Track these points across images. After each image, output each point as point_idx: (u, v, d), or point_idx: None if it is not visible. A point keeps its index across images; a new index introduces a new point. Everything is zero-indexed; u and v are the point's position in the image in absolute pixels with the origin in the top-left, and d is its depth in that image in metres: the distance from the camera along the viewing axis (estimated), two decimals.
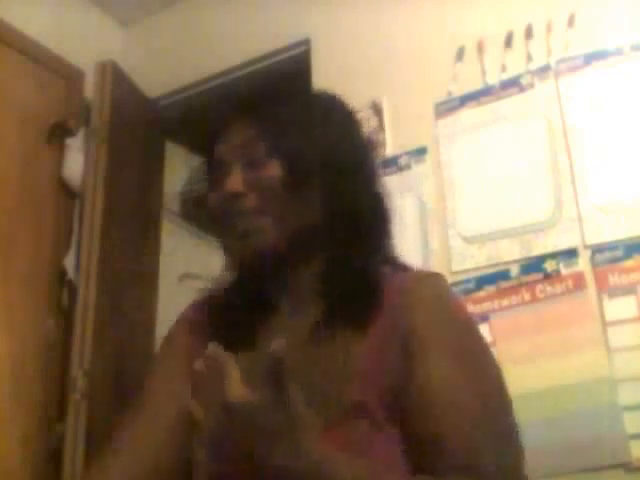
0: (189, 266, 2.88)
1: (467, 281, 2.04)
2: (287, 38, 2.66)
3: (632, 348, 1.80)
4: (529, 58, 2.17)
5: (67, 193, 2.60)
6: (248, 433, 0.70)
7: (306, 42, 2.61)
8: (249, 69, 2.72)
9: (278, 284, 0.96)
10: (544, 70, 2.14)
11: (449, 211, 2.15)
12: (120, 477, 0.91)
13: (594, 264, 1.91)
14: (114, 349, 2.42)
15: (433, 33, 2.36)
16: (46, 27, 2.68)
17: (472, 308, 1.95)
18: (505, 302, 1.98)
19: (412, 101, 2.31)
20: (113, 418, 1.86)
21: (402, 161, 2.27)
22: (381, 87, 2.37)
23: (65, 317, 2.46)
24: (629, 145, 1.97)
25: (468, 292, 2.02)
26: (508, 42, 2.22)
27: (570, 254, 1.95)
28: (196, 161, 3.12)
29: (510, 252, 2.03)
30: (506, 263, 2.03)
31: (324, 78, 2.39)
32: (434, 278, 0.97)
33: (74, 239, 2.53)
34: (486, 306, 1.99)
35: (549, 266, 1.96)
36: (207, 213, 0.97)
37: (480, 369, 0.88)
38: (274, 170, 0.92)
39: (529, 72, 2.16)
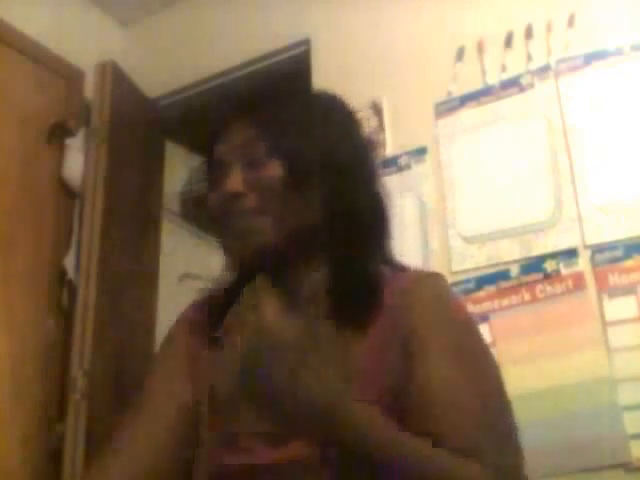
0: (189, 266, 2.88)
1: (467, 281, 2.04)
2: (287, 38, 2.66)
3: (632, 348, 1.80)
4: (529, 58, 2.17)
5: (67, 193, 2.60)
6: (280, 361, 0.72)
7: (306, 42, 2.61)
8: (249, 69, 2.72)
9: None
10: (544, 70, 2.14)
11: (449, 211, 2.15)
12: (120, 477, 0.91)
13: (594, 264, 1.91)
14: (114, 349, 2.42)
15: (433, 33, 2.36)
16: (46, 27, 2.68)
17: (472, 308, 1.95)
18: (505, 302, 1.98)
19: (412, 101, 2.31)
20: (113, 418, 1.86)
21: (402, 161, 2.27)
22: (381, 87, 2.37)
23: (65, 317, 2.46)
24: (629, 145, 1.97)
25: (468, 292, 2.02)
26: (508, 42, 2.22)
27: (570, 254, 1.95)
28: (196, 161, 3.12)
29: (510, 252, 2.03)
30: (506, 263, 2.03)
31: (324, 78, 2.39)
32: (434, 278, 0.97)
33: (74, 239, 2.53)
34: (486, 306, 1.99)
35: (549, 266, 1.96)
36: (207, 213, 0.97)
37: (480, 369, 0.88)
38: (274, 170, 0.92)
39: (529, 72, 2.16)
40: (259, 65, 2.71)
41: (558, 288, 1.93)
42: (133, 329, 2.58)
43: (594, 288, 1.89)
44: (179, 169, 3.14)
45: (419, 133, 2.27)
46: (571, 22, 2.13)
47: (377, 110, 2.34)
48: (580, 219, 1.97)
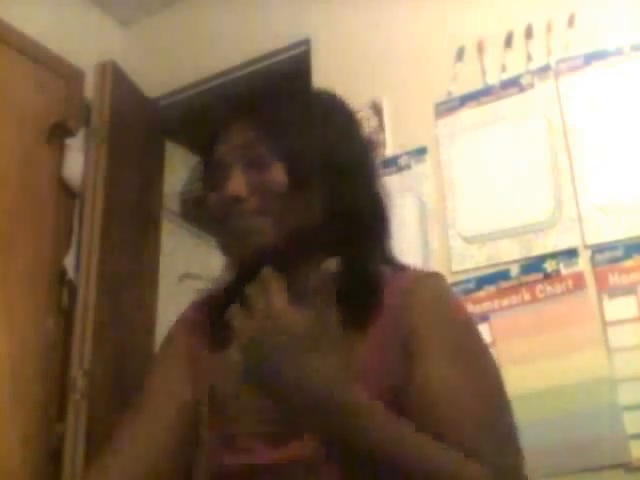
0: (189, 266, 2.88)
1: (467, 281, 2.04)
2: (287, 38, 2.66)
3: (632, 348, 1.80)
4: (529, 58, 2.18)
5: (67, 193, 2.60)
6: (287, 348, 0.72)
7: (306, 42, 2.61)
8: (249, 69, 2.72)
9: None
10: (544, 70, 2.14)
11: (449, 211, 2.15)
12: (120, 477, 0.91)
13: (594, 264, 1.91)
14: (114, 349, 2.42)
15: (433, 33, 2.36)
16: (46, 27, 2.68)
17: (472, 308, 1.95)
18: (505, 302, 1.98)
19: (412, 101, 2.31)
20: (113, 418, 1.86)
21: (402, 161, 2.27)
22: (381, 87, 2.37)
23: (65, 317, 2.46)
24: (629, 145, 1.97)
25: (468, 292, 2.02)
26: (508, 42, 2.22)
27: (570, 254, 1.95)
28: (196, 161, 3.12)
29: (510, 252, 2.03)
30: (506, 263, 2.03)
31: (324, 78, 2.39)
32: (434, 278, 0.97)
33: (74, 239, 2.53)
34: (486, 306, 1.99)
35: (549, 266, 1.96)
36: (207, 214, 0.97)
37: (480, 369, 0.88)
38: (277, 172, 0.91)
39: (529, 72, 2.16)
40: (259, 65, 2.71)
41: (558, 288, 1.93)
42: (133, 329, 2.58)
43: (594, 288, 1.89)
44: (179, 169, 3.14)
45: (419, 133, 2.27)
46: (571, 22, 2.13)
47: (377, 110, 2.34)
48: (580, 219, 1.97)
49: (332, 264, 0.70)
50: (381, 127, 2.33)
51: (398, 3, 2.44)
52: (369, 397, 0.83)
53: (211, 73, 2.80)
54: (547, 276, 1.96)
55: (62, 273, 2.50)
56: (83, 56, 2.73)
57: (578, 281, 1.92)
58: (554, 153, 2.06)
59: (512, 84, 2.17)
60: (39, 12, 2.68)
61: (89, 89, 2.70)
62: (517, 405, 0.88)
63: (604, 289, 1.88)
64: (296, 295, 0.74)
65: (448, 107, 2.25)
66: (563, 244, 1.97)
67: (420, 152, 2.25)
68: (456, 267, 2.08)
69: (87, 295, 2.34)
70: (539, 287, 1.96)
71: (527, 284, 1.97)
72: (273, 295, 0.74)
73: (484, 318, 1.97)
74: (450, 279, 1.94)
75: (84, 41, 2.83)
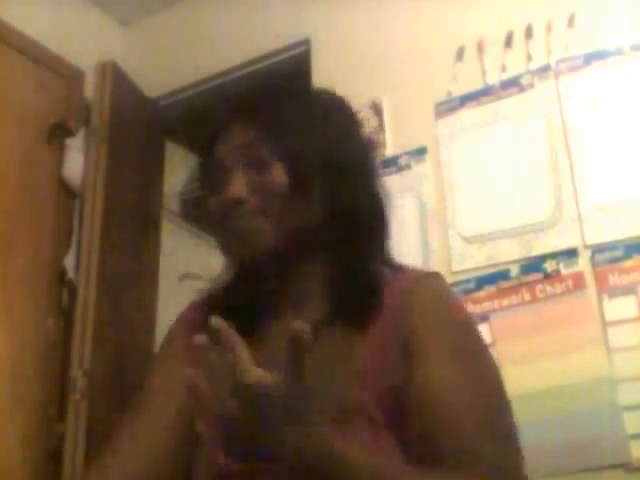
0: (189, 266, 2.88)
1: (467, 281, 2.04)
2: (287, 38, 2.66)
3: (632, 348, 1.80)
4: (529, 58, 2.18)
5: (67, 193, 2.60)
6: (259, 416, 0.69)
7: (306, 42, 2.61)
8: (249, 69, 2.72)
9: (278, 284, 0.96)
10: (544, 70, 2.14)
11: (449, 211, 2.15)
12: (120, 477, 0.91)
13: (594, 264, 1.91)
14: (114, 349, 2.42)
15: (433, 33, 2.36)
16: (46, 27, 2.68)
17: (472, 308, 1.95)
18: (505, 302, 1.98)
19: (412, 101, 2.31)
20: (113, 418, 1.86)
21: (402, 161, 2.27)
22: (381, 87, 2.37)
23: (65, 317, 2.46)
24: (629, 145, 1.97)
25: (468, 292, 2.02)
26: (508, 42, 2.22)
27: (570, 254, 1.95)
28: (196, 161, 3.11)
29: (510, 252, 2.03)
30: (506, 263, 2.03)
31: (324, 78, 2.38)
32: (434, 278, 0.97)
33: (74, 239, 2.53)
34: (486, 306, 1.99)
35: (549, 266, 1.96)
36: (207, 214, 0.97)
37: (479, 369, 0.88)
38: (278, 173, 0.91)
39: (529, 72, 2.16)
40: (259, 65, 2.71)
41: (558, 288, 1.93)
42: (133, 329, 2.58)
43: (594, 288, 1.89)
44: (179, 169, 3.14)
45: (419, 133, 2.27)
46: (571, 22, 2.13)
47: (377, 110, 2.34)
48: (580, 219, 1.97)
49: (303, 325, 0.68)
50: (381, 127, 2.33)
51: (398, 3, 2.44)
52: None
53: (211, 73, 2.80)
54: (547, 276, 1.96)
55: (62, 273, 2.50)
56: (83, 56, 2.73)
57: (578, 281, 1.91)
58: (554, 153, 2.06)
59: (512, 84, 2.17)
60: (39, 12, 2.68)
61: (89, 89, 2.70)
62: (517, 405, 0.88)
63: (604, 289, 1.88)
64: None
65: (448, 107, 2.25)
66: (563, 244, 1.97)
67: (420, 152, 2.25)
68: (456, 267, 2.08)
69: (87, 295, 2.34)
70: (539, 287, 1.95)
71: (527, 284, 1.97)
72: (239, 363, 0.69)
73: (484, 318, 1.97)
74: (450, 279, 1.94)
75: (84, 41, 2.83)
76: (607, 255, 1.90)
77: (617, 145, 1.98)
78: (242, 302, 0.97)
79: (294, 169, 0.91)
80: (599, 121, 2.02)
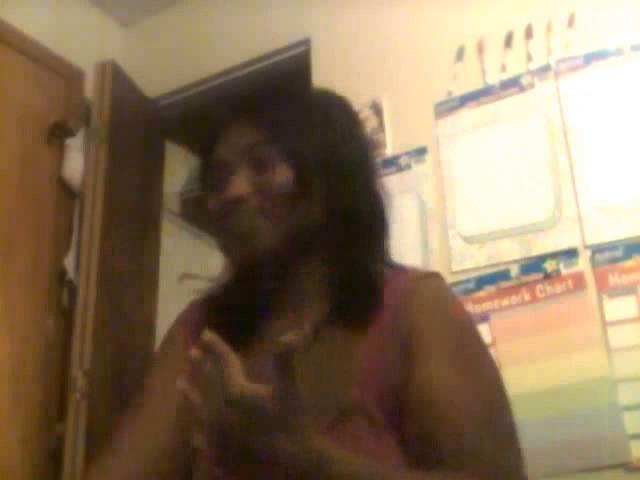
0: (189, 266, 2.86)
1: (467, 281, 2.04)
2: (287, 38, 2.66)
3: (632, 348, 1.80)
4: (529, 58, 2.17)
5: (67, 193, 2.59)
6: (253, 426, 0.70)
7: (306, 42, 2.61)
8: (249, 69, 2.72)
9: (278, 284, 0.96)
10: (544, 70, 2.14)
11: (449, 211, 2.15)
12: (120, 477, 0.91)
13: (594, 264, 1.91)
14: (114, 349, 2.42)
15: (433, 33, 2.36)
16: (46, 27, 2.68)
17: (472, 308, 1.95)
18: (505, 302, 1.98)
19: (412, 101, 2.31)
20: (113, 418, 1.86)
21: (402, 161, 2.27)
22: (381, 87, 2.37)
23: (65, 317, 2.46)
24: (629, 145, 1.97)
25: (468, 292, 2.02)
26: (508, 42, 2.22)
27: (570, 254, 1.95)
28: (196, 161, 3.11)
29: (510, 252, 2.03)
30: (506, 263, 2.03)
31: (324, 78, 2.38)
32: (433, 278, 0.97)
33: (74, 239, 2.53)
34: (486, 306, 1.99)
35: (549, 266, 1.96)
36: (208, 214, 0.97)
37: (479, 369, 0.88)
38: (280, 173, 0.91)
39: (529, 72, 2.16)
40: (259, 65, 2.71)
41: (558, 288, 1.93)
42: (133, 329, 2.58)
43: (594, 288, 1.89)
44: (179, 169, 3.14)
45: (419, 133, 2.27)
46: (571, 22, 2.13)
47: (377, 110, 2.34)
48: (580, 219, 1.97)
49: (292, 338, 0.69)
50: (381, 127, 2.32)
51: (398, 3, 2.44)
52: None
53: (211, 73, 2.80)
54: (547, 276, 1.96)
55: (62, 273, 2.50)
56: (83, 56, 2.73)
57: (578, 281, 1.91)
58: (554, 153, 2.06)
59: (512, 84, 2.17)
60: (39, 12, 2.68)
61: (89, 89, 2.69)
62: (517, 405, 0.88)
63: (604, 289, 1.88)
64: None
65: (448, 107, 2.25)
66: (563, 244, 1.97)
67: (420, 152, 2.25)
68: (456, 267, 2.08)
69: (87, 295, 2.34)
70: (539, 287, 1.95)
71: (527, 284, 1.97)
72: (231, 376, 0.70)
73: (484, 318, 1.97)
74: (450, 279, 1.95)
75: (84, 41, 2.83)
76: (607, 255, 1.90)
77: (617, 145, 1.98)
78: (242, 302, 0.97)
79: (295, 169, 0.91)
80: (599, 121, 2.02)
